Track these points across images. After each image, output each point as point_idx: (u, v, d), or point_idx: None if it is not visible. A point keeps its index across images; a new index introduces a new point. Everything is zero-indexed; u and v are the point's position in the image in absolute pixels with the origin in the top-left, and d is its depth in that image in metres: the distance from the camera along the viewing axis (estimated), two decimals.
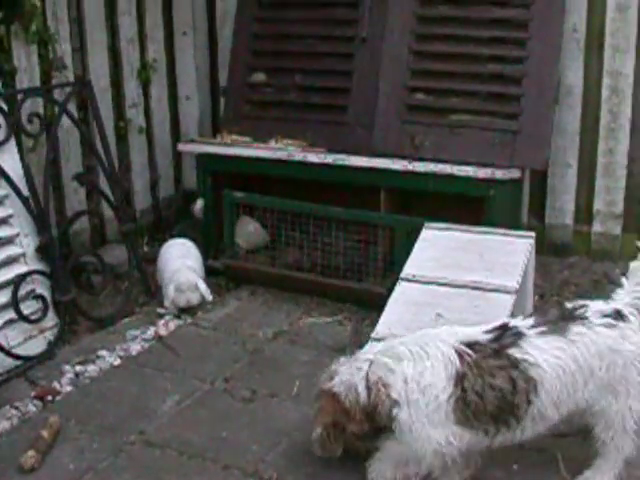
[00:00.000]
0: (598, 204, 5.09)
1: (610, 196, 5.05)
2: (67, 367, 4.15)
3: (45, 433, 3.49)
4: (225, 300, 4.94)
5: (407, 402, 2.94)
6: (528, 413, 2.91)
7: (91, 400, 3.86)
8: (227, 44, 5.71)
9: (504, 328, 3.03)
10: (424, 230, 4.38)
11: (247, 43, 5.33)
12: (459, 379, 2.88)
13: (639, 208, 5.05)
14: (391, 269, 4.64)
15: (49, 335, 4.33)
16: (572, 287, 4.88)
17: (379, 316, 4.00)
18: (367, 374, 3.04)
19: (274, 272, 4.92)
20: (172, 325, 4.64)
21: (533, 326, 3.00)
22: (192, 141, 5.34)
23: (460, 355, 2.92)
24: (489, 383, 2.87)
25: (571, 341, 2.92)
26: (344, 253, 4.85)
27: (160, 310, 4.81)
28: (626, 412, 3.02)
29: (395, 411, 2.95)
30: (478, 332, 3.04)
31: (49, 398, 3.87)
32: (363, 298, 4.63)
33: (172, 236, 5.53)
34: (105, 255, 5.01)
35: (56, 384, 3.99)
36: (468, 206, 4.61)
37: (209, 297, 4.77)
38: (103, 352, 4.30)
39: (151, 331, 4.55)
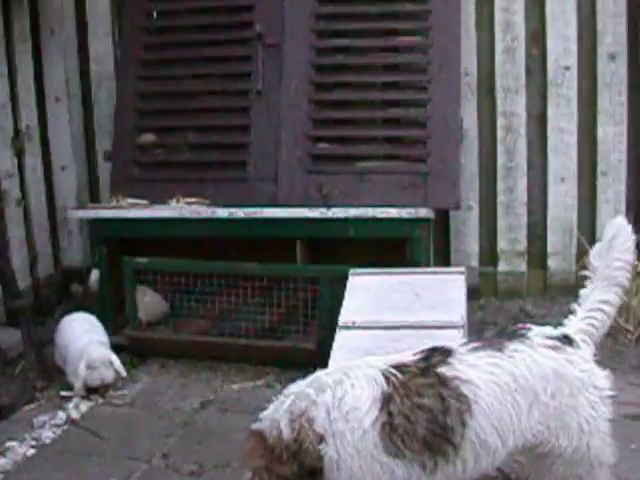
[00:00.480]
0: (502, 243, 5.05)
1: (513, 234, 5.04)
2: None
3: None
4: (135, 376, 4.42)
5: (332, 434, 2.55)
6: (465, 438, 2.54)
7: None
8: (104, 108, 5.37)
9: (433, 349, 2.71)
10: (351, 277, 4.13)
11: (132, 103, 4.96)
12: (385, 401, 2.53)
13: (540, 243, 5.05)
14: (310, 324, 4.36)
15: None
16: (491, 326, 4.75)
17: (309, 374, 3.68)
18: (290, 407, 2.64)
19: (188, 340, 4.48)
20: (83, 407, 4.09)
21: (464, 344, 2.70)
22: (82, 207, 4.85)
23: (386, 377, 2.57)
24: (417, 403, 2.52)
25: (508, 357, 2.60)
26: (259, 312, 4.49)
27: (64, 393, 4.24)
28: (585, 452, 2.66)
29: (322, 447, 2.56)
30: (407, 355, 2.71)
31: None
32: (288, 357, 4.27)
33: (57, 317, 4.99)
34: None
35: None
36: (385, 250, 4.42)
37: (124, 373, 4.23)
38: (12, 443, 3.70)
39: (61, 416, 3.98)
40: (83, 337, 4.28)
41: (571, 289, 5.03)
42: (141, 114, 4.98)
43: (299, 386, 2.74)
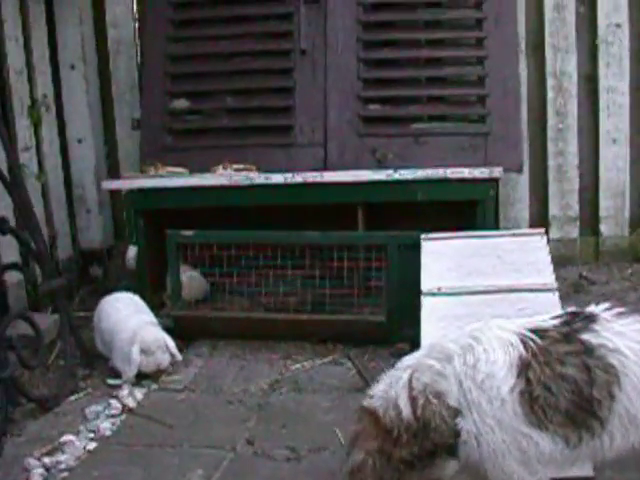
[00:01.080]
0: (553, 209, 4.74)
1: (564, 199, 4.72)
2: (31, 461, 3.05)
3: None
4: (185, 359, 3.94)
5: (468, 406, 2.25)
6: (613, 412, 2.23)
7: None
8: (123, 77, 4.90)
9: (573, 313, 2.37)
10: (424, 243, 3.76)
11: (162, 67, 4.48)
12: (523, 368, 2.22)
13: (592, 208, 4.76)
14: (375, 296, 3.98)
15: None
16: None
17: (378, 348, 3.31)
18: (409, 383, 2.32)
19: (244, 317, 4.00)
20: (139, 394, 3.62)
21: (608, 309, 2.35)
22: (118, 177, 4.34)
23: (523, 341, 2.26)
24: (559, 373, 2.21)
25: None
26: (317, 285, 4.04)
27: (112, 381, 3.77)
28: None
29: (458, 422, 2.26)
30: (542, 319, 2.37)
31: None
32: (355, 331, 3.87)
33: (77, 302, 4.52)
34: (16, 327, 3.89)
35: None
36: (447, 215, 4.06)
37: (180, 357, 3.77)
38: (69, 437, 3.22)
39: (115, 405, 3.50)
40: (131, 319, 3.81)
41: (624, 254, 4.76)
42: (172, 78, 4.51)
43: (416, 358, 2.40)
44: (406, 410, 2.31)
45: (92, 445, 3.19)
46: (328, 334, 3.94)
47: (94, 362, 3.96)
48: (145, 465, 3.00)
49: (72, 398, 3.66)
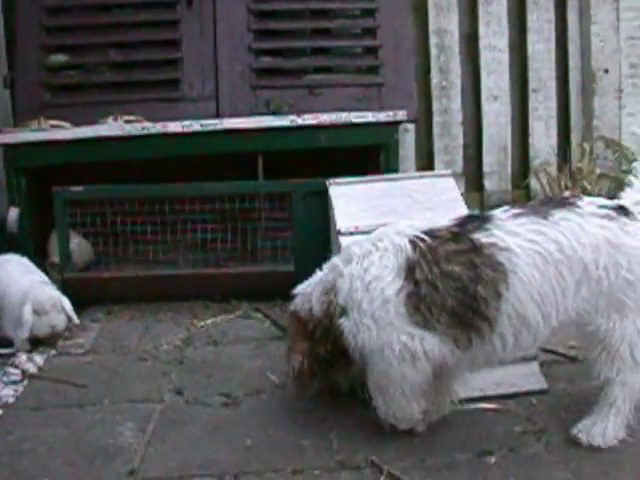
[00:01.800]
0: (439, 165, 4.73)
1: (449, 155, 4.74)
2: None
3: None
4: (81, 325, 3.52)
5: (352, 305, 2.32)
6: (501, 313, 2.21)
7: (8, 458, 2.45)
8: None
9: (470, 216, 2.40)
10: (331, 188, 3.59)
11: (37, 19, 4.06)
12: (410, 269, 2.24)
13: (476, 164, 4.80)
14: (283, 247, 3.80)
15: None
16: None
17: (287, 301, 3.15)
18: (321, 280, 2.45)
19: (147, 275, 3.67)
20: (39, 359, 3.26)
21: (506, 211, 2.34)
22: None
23: (413, 243, 2.28)
24: (445, 271, 2.21)
25: (553, 224, 2.24)
26: (217, 239, 3.80)
27: (2, 350, 3.37)
28: (636, 336, 2.26)
29: (342, 321, 2.34)
30: (441, 221, 2.38)
31: None
32: (264, 284, 3.66)
33: None
34: None
35: None
36: (345, 164, 3.92)
37: (76, 319, 3.40)
38: None
39: (12, 372, 3.13)
40: (22, 279, 3.42)
41: None
42: (48, 31, 4.11)
43: (333, 259, 2.51)
44: (316, 307, 2.42)
45: None
46: (235, 289, 3.70)
47: None
48: (66, 425, 2.68)
49: None
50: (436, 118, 4.71)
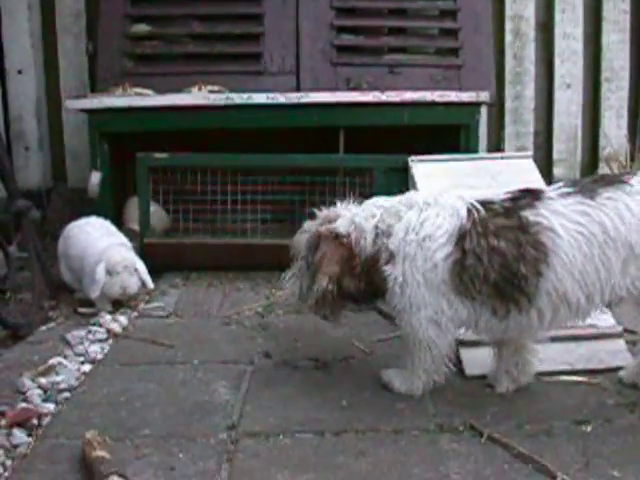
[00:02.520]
0: (509, 151, 4.64)
1: (520, 141, 4.70)
2: (26, 382, 2.64)
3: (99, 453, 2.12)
4: (160, 290, 3.60)
5: (403, 256, 2.35)
6: (540, 289, 2.24)
7: (105, 409, 2.47)
8: (67, 3, 4.47)
9: (525, 190, 2.37)
10: (413, 165, 3.61)
11: None
12: (461, 237, 2.28)
13: (546, 151, 4.75)
14: None
15: None
16: None
17: None
18: (378, 222, 2.43)
19: (225, 243, 3.66)
20: (123, 320, 3.28)
21: (557, 188, 2.34)
22: (80, 97, 3.90)
23: (469, 211, 2.31)
24: (492, 245, 2.25)
25: (599, 204, 2.24)
26: (297, 210, 3.74)
27: (83, 309, 3.40)
28: None
29: (388, 268, 2.37)
30: (499, 193, 2.39)
31: (35, 422, 2.39)
32: None
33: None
34: None
35: (23, 405, 2.50)
36: (423, 142, 3.89)
37: (150, 284, 3.39)
38: (58, 359, 2.84)
39: (98, 330, 3.14)
40: (101, 241, 3.42)
41: None
42: (132, 2, 4.11)
43: (392, 201, 2.49)
44: (369, 246, 2.41)
45: (87, 367, 2.83)
46: None
47: (60, 294, 3.58)
48: (158, 381, 2.68)
49: (44, 328, 3.27)
50: (508, 104, 4.68)
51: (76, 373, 2.76)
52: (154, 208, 3.95)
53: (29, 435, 2.33)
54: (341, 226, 2.47)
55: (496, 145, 4.72)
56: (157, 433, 2.31)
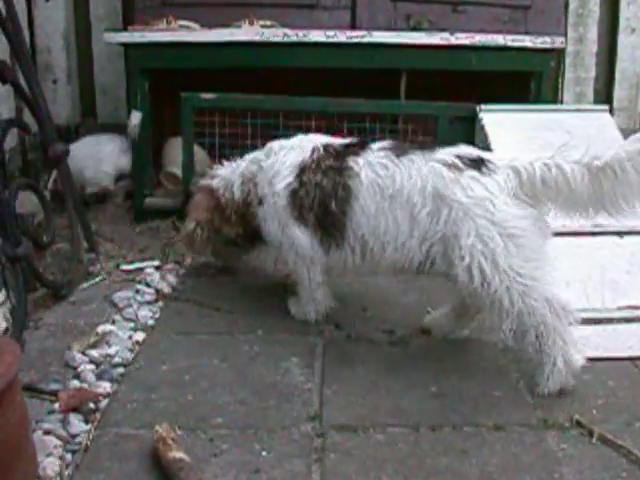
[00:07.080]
0: (567, 97, 4.31)
1: (579, 87, 4.30)
2: (77, 355, 2.36)
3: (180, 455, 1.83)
4: None
5: (264, 196, 2.59)
6: (347, 228, 2.41)
7: (169, 390, 2.19)
8: None
9: (364, 140, 2.56)
10: (483, 114, 3.27)
11: None
12: (301, 170, 2.50)
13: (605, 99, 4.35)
14: None
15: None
16: None
17: None
18: (243, 171, 2.69)
19: None
20: (172, 278, 2.98)
21: (383, 143, 2.46)
22: (121, 30, 3.51)
23: (315, 150, 2.51)
24: (318, 181, 2.46)
25: (399, 163, 2.34)
26: None
27: (125, 266, 3.08)
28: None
29: (258, 209, 2.62)
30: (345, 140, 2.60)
31: (92, 406, 2.11)
32: None
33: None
34: None
35: (76, 384, 2.22)
36: (490, 89, 3.56)
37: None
38: (108, 326, 2.55)
39: (146, 290, 2.84)
40: None
41: None
42: None
43: (255, 152, 2.72)
44: (237, 194, 2.67)
45: (140, 336, 2.54)
46: None
47: (98, 246, 3.27)
48: (222, 356, 2.40)
49: (84, 285, 2.97)
50: (569, 47, 4.24)
51: (128, 343, 2.48)
52: (196, 149, 3.62)
53: (86, 422, 2.05)
54: (214, 182, 2.76)
55: (553, 91, 4.33)
56: (232, 423, 2.04)
